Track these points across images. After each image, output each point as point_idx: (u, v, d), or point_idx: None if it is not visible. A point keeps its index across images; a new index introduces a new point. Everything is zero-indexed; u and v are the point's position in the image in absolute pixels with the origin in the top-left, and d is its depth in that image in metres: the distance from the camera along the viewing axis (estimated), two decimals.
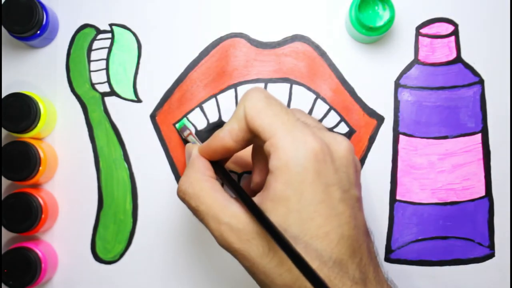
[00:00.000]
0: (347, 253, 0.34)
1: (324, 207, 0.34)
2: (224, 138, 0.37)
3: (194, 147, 0.41)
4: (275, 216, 0.34)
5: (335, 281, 0.33)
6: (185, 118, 0.48)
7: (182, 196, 0.38)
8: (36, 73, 0.50)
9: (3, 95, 0.48)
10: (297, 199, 0.33)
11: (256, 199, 0.35)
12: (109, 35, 0.50)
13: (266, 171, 0.37)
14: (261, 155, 0.40)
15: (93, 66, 0.50)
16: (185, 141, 0.47)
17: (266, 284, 0.35)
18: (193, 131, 0.48)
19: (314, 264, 0.33)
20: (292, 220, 0.33)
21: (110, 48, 0.50)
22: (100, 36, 0.50)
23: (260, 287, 0.37)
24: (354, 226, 0.35)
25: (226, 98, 0.49)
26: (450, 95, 0.49)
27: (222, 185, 0.40)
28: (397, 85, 0.49)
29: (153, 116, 0.50)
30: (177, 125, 0.48)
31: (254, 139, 0.38)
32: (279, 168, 0.34)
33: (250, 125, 0.36)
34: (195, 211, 0.37)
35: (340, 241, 0.34)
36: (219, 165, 0.40)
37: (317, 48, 0.49)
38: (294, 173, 0.33)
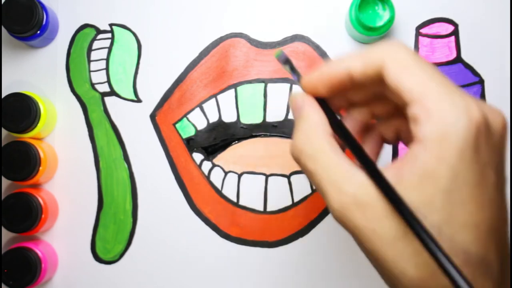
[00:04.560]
0: (494, 249, 0.29)
1: (479, 191, 0.28)
2: (340, 70, 0.31)
3: (306, 97, 0.33)
4: (420, 195, 0.28)
5: (478, 280, 0.28)
6: (280, 49, 0.37)
7: (297, 155, 0.32)
8: (36, 73, 0.50)
9: (3, 95, 0.48)
10: (451, 178, 0.28)
11: (392, 169, 0.29)
12: (109, 35, 0.50)
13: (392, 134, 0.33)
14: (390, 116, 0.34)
15: (93, 66, 0.50)
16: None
17: (393, 275, 0.29)
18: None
19: (458, 259, 0.27)
20: (440, 203, 0.28)
21: (110, 48, 0.50)
22: (100, 36, 0.50)
23: (382, 276, 0.31)
24: (501, 218, 0.29)
25: (226, 98, 0.49)
26: None
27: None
28: None
29: (153, 116, 0.50)
30: (275, 53, 0.37)
31: (377, 91, 0.32)
32: (433, 139, 0.28)
33: (390, 81, 0.30)
34: (311, 174, 0.31)
35: (488, 234, 0.28)
36: (340, 124, 0.33)
37: (317, 48, 0.49)
38: (452, 147, 0.28)
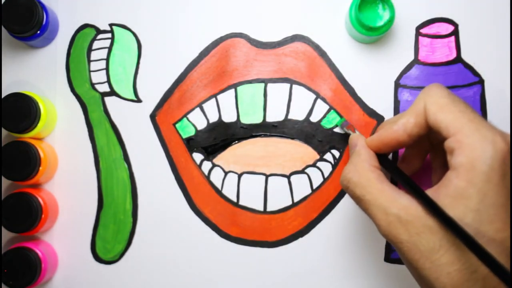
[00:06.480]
0: None
1: (505, 211, 0.32)
2: (397, 131, 0.38)
3: (360, 138, 0.41)
4: (453, 213, 0.33)
5: None
6: (342, 119, 0.48)
7: (346, 184, 0.38)
8: (36, 73, 0.50)
9: (3, 95, 0.48)
10: (479, 199, 0.32)
11: (430, 193, 0.35)
12: (109, 35, 0.50)
13: (443, 169, 0.37)
14: (438, 153, 0.41)
15: (93, 66, 0.50)
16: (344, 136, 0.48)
17: (428, 281, 0.34)
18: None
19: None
20: (470, 220, 0.32)
21: (110, 48, 0.50)
22: (100, 36, 0.50)
23: (419, 283, 0.36)
24: None
25: (226, 98, 0.49)
26: None
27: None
28: (397, 85, 0.49)
29: (153, 116, 0.50)
30: (337, 122, 0.48)
31: (428, 136, 0.37)
32: (463, 165, 0.33)
33: (430, 121, 0.36)
34: (359, 200, 0.37)
35: None
36: (386, 158, 0.40)
37: (317, 48, 0.49)
38: (480, 173, 0.32)
